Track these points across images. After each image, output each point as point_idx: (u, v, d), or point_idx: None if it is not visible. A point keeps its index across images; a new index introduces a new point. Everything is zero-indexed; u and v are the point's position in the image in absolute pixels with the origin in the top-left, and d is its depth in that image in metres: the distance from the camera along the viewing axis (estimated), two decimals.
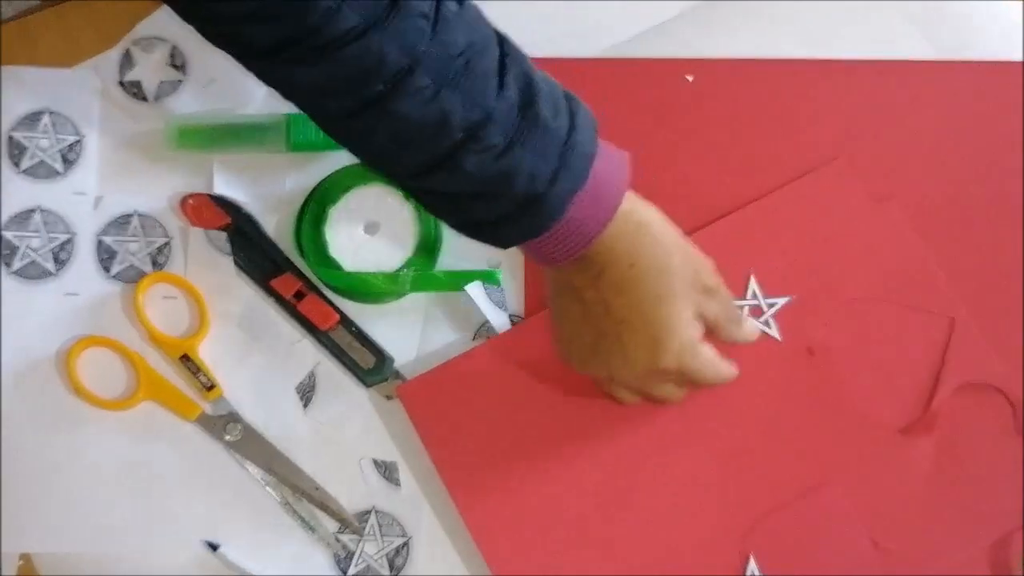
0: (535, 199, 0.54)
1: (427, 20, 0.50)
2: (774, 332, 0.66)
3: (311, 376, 0.67)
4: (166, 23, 0.72)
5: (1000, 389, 0.65)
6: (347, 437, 0.66)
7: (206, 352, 0.67)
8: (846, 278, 0.67)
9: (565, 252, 0.57)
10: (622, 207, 0.56)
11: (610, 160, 0.56)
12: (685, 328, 0.58)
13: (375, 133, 0.53)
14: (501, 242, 0.57)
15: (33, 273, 0.68)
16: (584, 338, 0.61)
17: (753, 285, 0.67)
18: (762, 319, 0.67)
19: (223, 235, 0.68)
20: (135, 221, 0.69)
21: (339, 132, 0.55)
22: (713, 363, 0.61)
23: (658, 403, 0.63)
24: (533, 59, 0.71)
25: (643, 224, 0.58)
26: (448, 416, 0.64)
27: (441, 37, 0.51)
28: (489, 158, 0.52)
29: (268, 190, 0.70)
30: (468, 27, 0.52)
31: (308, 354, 0.68)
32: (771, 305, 0.67)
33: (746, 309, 0.67)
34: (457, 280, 0.67)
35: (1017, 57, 0.72)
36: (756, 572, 0.62)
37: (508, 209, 0.54)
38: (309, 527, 0.65)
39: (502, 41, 0.54)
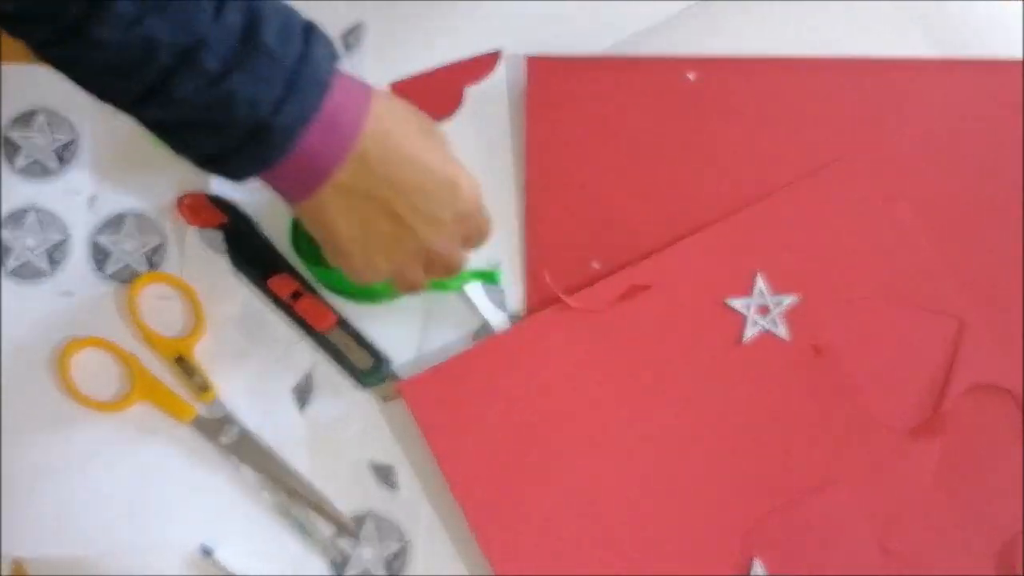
0: (260, 128, 0.52)
1: None
2: (781, 331, 0.66)
3: (308, 378, 0.67)
4: None
5: (1009, 391, 0.65)
6: (344, 439, 0.66)
7: (201, 353, 0.66)
8: (853, 278, 0.67)
9: (301, 187, 0.56)
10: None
11: (349, 90, 0.55)
12: (460, 165, 0.58)
13: (80, 61, 0.52)
14: (234, 175, 0.56)
15: (27, 273, 0.68)
16: (379, 233, 0.58)
17: (760, 284, 0.67)
18: (768, 318, 0.66)
19: (219, 235, 0.68)
20: (130, 220, 0.69)
21: (50, 62, 0.54)
22: (488, 216, 0.61)
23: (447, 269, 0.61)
24: (533, 57, 0.71)
25: (378, 97, 0.57)
26: (450, 413, 0.64)
27: None
28: (203, 84, 0.51)
29: (265, 189, 0.69)
30: None
31: (305, 355, 0.67)
32: (778, 304, 0.66)
33: (752, 308, 0.66)
34: (456, 280, 0.67)
35: (1017, 57, 0.72)
36: (761, 572, 0.62)
37: (233, 140, 0.53)
38: (305, 531, 0.64)
39: None
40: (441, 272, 0.61)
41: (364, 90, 0.56)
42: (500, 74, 0.72)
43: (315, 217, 0.58)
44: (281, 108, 0.52)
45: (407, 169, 0.56)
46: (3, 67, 0.71)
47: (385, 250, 0.58)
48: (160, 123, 0.54)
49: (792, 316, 0.66)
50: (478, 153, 0.70)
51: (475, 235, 0.61)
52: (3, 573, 0.63)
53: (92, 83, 0.54)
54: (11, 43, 0.72)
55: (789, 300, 0.66)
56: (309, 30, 0.54)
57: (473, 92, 0.72)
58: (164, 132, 0.55)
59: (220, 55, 0.51)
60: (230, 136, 0.53)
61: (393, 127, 0.56)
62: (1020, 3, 0.74)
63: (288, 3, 0.54)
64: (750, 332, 0.66)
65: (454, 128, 0.70)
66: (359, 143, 0.55)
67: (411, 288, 0.62)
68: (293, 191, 0.56)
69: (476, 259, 0.68)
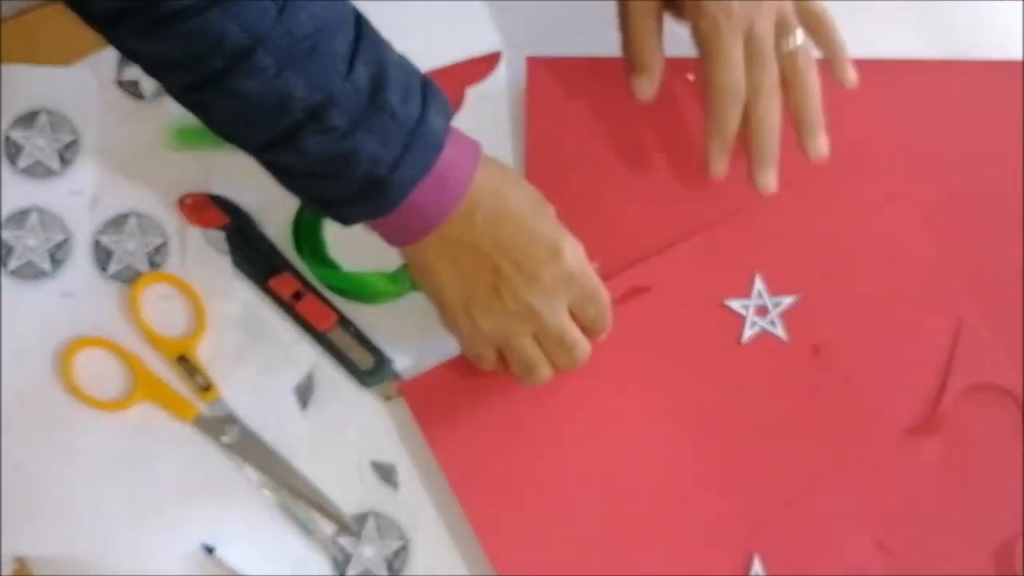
0: (376, 183, 0.55)
1: (272, 1, 0.51)
2: (780, 331, 0.66)
3: (309, 377, 0.67)
4: None
5: (1008, 391, 0.65)
6: (345, 439, 0.66)
7: (203, 353, 0.67)
8: (852, 277, 0.67)
9: (407, 235, 0.59)
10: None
11: (460, 148, 0.58)
12: (569, 234, 0.60)
13: (215, 108, 0.55)
14: (344, 220, 0.59)
15: (29, 273, 0.68)
16: (480, 286, 0.59)
17: (759, 284, 0.67)
18: (767, 319, 0.66)
19: (221, 235, 0.68)
20: (132, 221, 0.69)
21: (182, 103, 0.56)
22: (597, 281, 0.61)
23: (558, 357, 0.61)
24: (533, 57, 0.72)
25: (486, 158, 0.59)
26: (451, 413, 0.64)
27: (287, 17, 0.51)
28: (331, 140, 0.53)
29: (267, 190, 0.68)
30: (320, 8, 0.52)
31: (306, 355, 0.67)
32: (777, 304, 0.66)
33: (751, 308, 0.66)
34: None
35: (1017, 57, 0.72)
36: (760, 572, 0.62)
37: (350, 190, 0.56)
38: (306, 529, 0.64)
39: (359, 24, 0.55)
40: (555, 348, 0.61)
41: (474, 147, 0.59)
42: (501, 74, 0.72)
43: (419, 262, 0.60)
44: (398, 166, 0.55)
45: (510, 226, 0.58)
46: (6, 68, 0.71)
47: (486, 306, 0.59)
48: (283, 168, 0.57)
49: (791, 317, 0.66)
50: None
51: (584, 302, 0.60)
52: (5, 571, 0.64)
53: (223, 127, 0.56)
54: (13, 43, 0.72)
55: (788, 301, 0.66)
56: (427, 88, 0.56)
57: (474, 92, 0.72)
58: (285, 176, 0.58)
59: (348, 113, 0.53)
60: (347, 187, 0.55)
61: (501, 186, 0.59)
62: (1020, 3, 0.74)
63: (404, 58, 0.57)
64: (749, 333, 0.66)
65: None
66: (467, 198, 0.57)
67: (527, 368, 0.61)
68: (398, 237, 0.59)
69: None
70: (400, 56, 0.56)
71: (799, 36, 0.63)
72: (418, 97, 0.55)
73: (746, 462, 0.64)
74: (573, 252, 0.59)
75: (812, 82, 0.64)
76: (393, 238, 0.60)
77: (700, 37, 0.63)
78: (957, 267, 0.67)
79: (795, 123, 0.64)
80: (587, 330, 0.61)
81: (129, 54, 0.56)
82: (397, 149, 0.54)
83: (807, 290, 0.67)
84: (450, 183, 0.57)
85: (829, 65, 0.66)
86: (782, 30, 0.63)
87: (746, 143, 0.64)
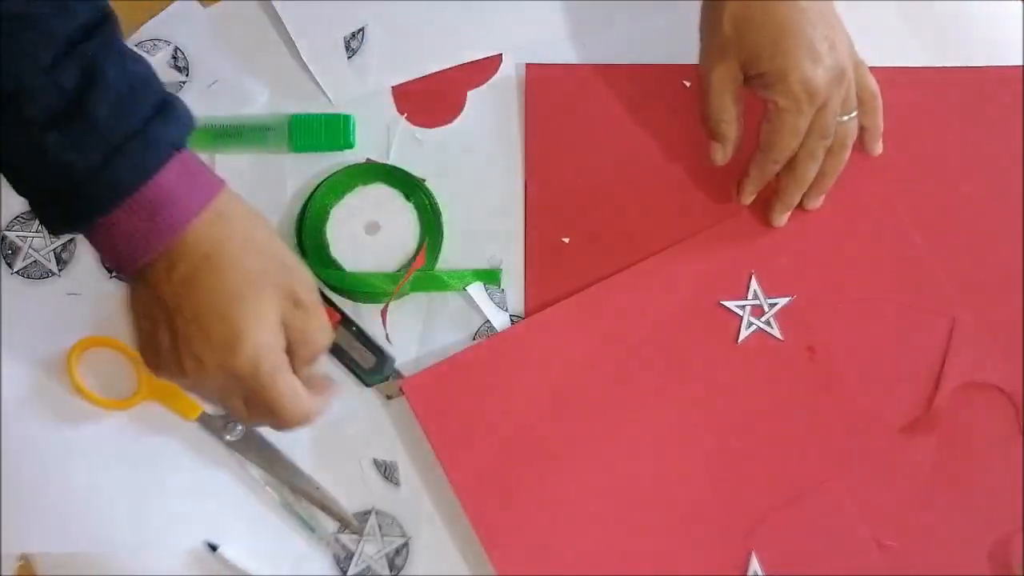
0: (70, 191, 0.51)
1: None
2: (775, 331, 0.66)
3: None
4: (169, 25, 0.72)
5: (1001, 388, 0.65)
6: (347, 437, 0.66)
7: None
8: (847, 278, 0.67)
9: (116, 261, 0.53)
10: (207, 209, 0.52)
11: (191, 180, 0.52)
12: (265, 331, 0.52)
13: None
14: (46, 224, 0.53)
15: (35, 273, 0.68)
16: (162, 341, 0.53)
17: (754, 285, 0.67)
18: (763, 319, 0.67)
19: None
20: None
21: None
22: (293, 389, 0.54)
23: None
24: (533, 64, 0.72)
25: (225, 218, 0.53)
26: (452, 411, 0.64)
27: None
28: (20, 133, 0.50)
29: (269, 190, 0.70)
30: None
31: None
32: (772, 305, 0.67)
33: (748, 308, 0.67)
34: (457, 280, 0.68)
35: (1017, 61, 0.72)
36: (758, 570, 0.62)
37: (42, 194, 0.52)
38: (309, 527, 0.65)
39: (95, 21, 0.51)
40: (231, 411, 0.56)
41: (210, 188, 0.53)
42: (501, 77, 0.72)
43: (137, 282, 0.54)
44: (94, 179, 0.50)
45: (199, 293, 0.52)
46: None
47: (162, 363, 0.54)
48: None
49: (786, 317, 0.67)
50: (479, 155, 0.71)
51: (258, 403, 0.54)
52: (10, 569, 0.64)
53: None
54: None
55: (783, 301, 0.67)
56: (164, 111, 0.52)
57: (474, 96, 0.72)
58: None
59: (42, 109, 0.49)
60: (39, 188, 0.52)
61: (220, 251, 0.52)
62: (1021, 5, 0.74)
63: (152, 77, 0.53)
64: (745, 332, 0.66)
65: (455, 131, 0.71)
66: (175, 247, 0.52)
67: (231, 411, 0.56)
68: (109, 261, 0.54)
69: (477, 259, 0.69)
70: (146, 75, 0.52)
71: (852, 114, 0.65)
72: (138, 116, 0.51)
73: (743, 461, 0.64)
74: (252, 357, 0.52)
75: (847, 154, 0.66)
76: (105, 261, 0.55)
77: (778, 111, 0.63)
78: (952, 267, 0.67)
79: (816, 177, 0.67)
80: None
81: None
82: (95, 160, 0.50)
83: (802, 290, 0.67)
84: (161, 218, 0.51)
85: (863, 134, 0.68)
86: (845, 107, 0.65)
87: (777, 183, 0.67)
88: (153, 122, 0.51)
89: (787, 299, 0.67)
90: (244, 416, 0.55)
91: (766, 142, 0.65)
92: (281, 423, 0.54)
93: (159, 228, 0.51)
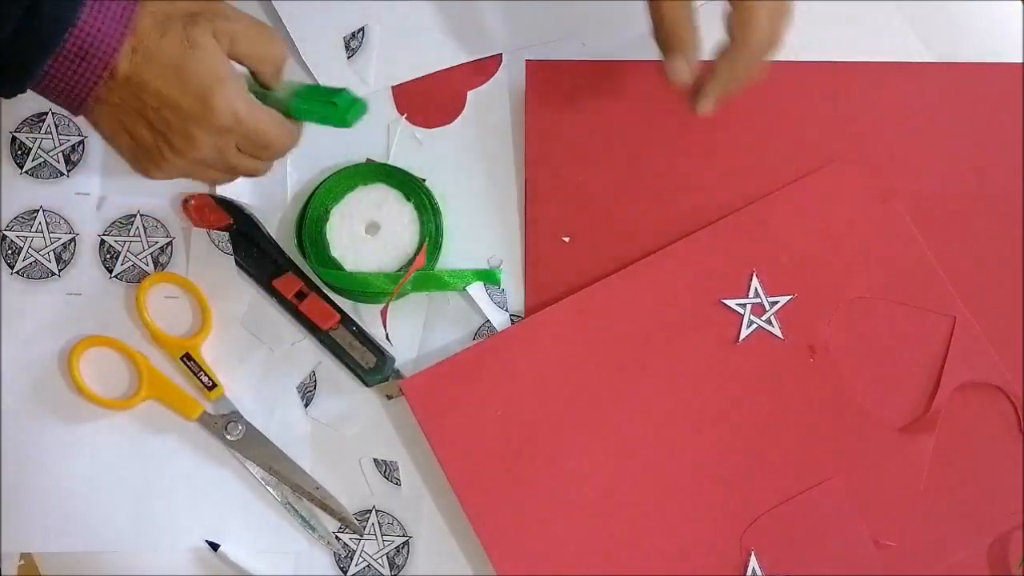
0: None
1: None
2: (776, 330, 0.66)
3: (312, 376, 0.67)
4: None
5: (1001, 388, 0.65)
6: (348, 436, 0.66)
7: (208, 352, 0.67)
8: (848, 277, 0.67)
9: (68, 103, 0.56)
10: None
11: (104, 17, 0.54)
12: (224, 81, 0.56)
13: None
14: None
15: (36, 273, 0.69)
16: (144, 141, 0.57)
17: (755, 283, 0.67)
18: (764, 317, 0.67)
19: (225, 235, 0.68)
20: (137, 221, 0.70)
21: None
22: (272, 116, 0.58)
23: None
24: (533, 60, 0.72)
25: (152, 6, 0.56)
26: (451, 411, 0.64)
27: None
28: None
29: (269, 190, 0.70)
30: None
31: (309, 354, 0.68)
32: (773, 304, 0.67)
33: (748, 307, 0.67)
34: (458, 280, 0.68)
35: (1017, 59, 0.72)
36: (757, 570, 0.62)
37: None
38: (310, 526, 0.65)
39: None
40: (234, 170, 0.60)
41: (125, 11, 0.54)
42: (501, 77, 0.73)
43: (93, 124, 0.58)
44: (17, 40, 0.52)
45: (154, 84, 0.55)
46: None
47: (154, 161, 0.58)
48: None
49: (787, 315, 0.67)
50: (479, 155, 0.71)
51: (254, 151, 0.59)
52: (12, 569, 0.64)
53: None
54: None
55: (784, 300, 0.67)
56: None
57: (475, 95, 0.72)
58: None
59: None
60: None
61: (142, 39, 0.54)
62: (1020, 4, 0.74)
63: None
64: (746, 331, 0.66)
65: (456, 131, 0.71)
66: (115, 64, 0.54)
67: (222, 175, 0.61)
68: (64, 106, 0.56)
69: (477, 259, 0.69)
70: None
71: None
72: None
73: (742, 460, 0.64)
74: (227, 101, 0.56)
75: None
76: (63, 107, 0.57)
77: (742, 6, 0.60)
78: (952, 266, 0.67)
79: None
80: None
81: None
82: (13, 22, 0.51)
83: (803, 289, 0.67)
84: (91, 58, 0.54)
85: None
86: None
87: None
88: None
89: (788, 298, 0.67)
90: (250, 166, 0.60)
91: (735, 33, 0.61)
92: (276, 149, 0.59)
93: (92, 68, 0.54)
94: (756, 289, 0.67)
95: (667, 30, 0.62)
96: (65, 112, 0.59)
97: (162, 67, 0.55)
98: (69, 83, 0.54)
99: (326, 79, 0.72)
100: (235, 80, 0.57)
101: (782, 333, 0.66)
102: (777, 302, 0.67)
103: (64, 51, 0.53)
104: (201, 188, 0.70)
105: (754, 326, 0.67)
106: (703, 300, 0.67)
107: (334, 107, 0.60)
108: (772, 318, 0.67)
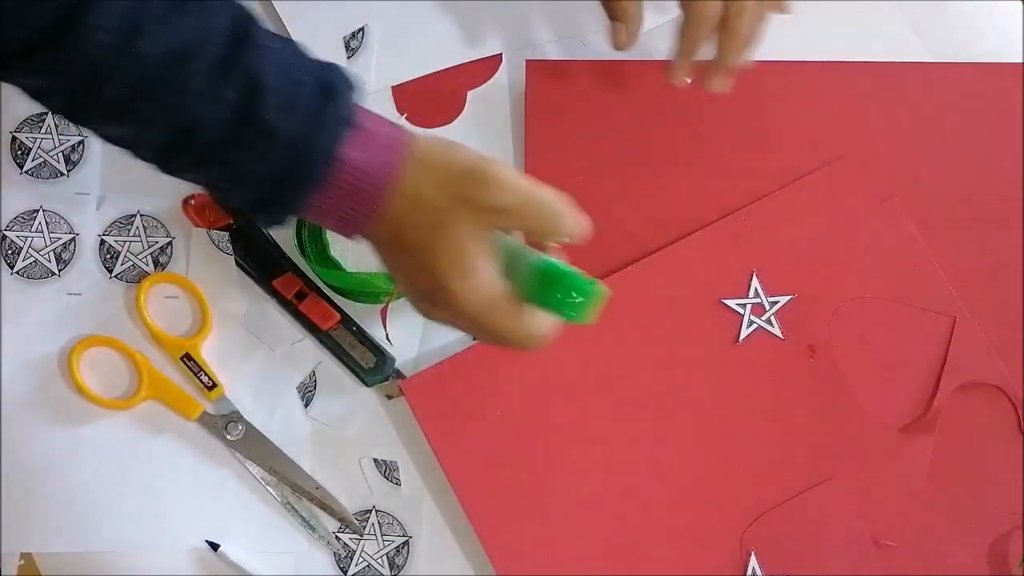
0: (270, 198, 0.53)
1: (112, 32, 0.49)
2: (776, 330, 0.66)
3: (312, 376, 0.67)
4: None
5: (1001, 388, 0.65)
6: (348, 436, 0.66)
7: (208, 352, 0.67)
8: (848, 277, 0.67)
9: (339, 230, 0.55)
10: (404, 165, 0.53)
11: (372, 148, 0.52)
12: (463, 270, 0.53)
13: (95, 128, 0.54)
14: (262, 226, 0.58)
15: (36, 273, 0.69)
16: (420, 286, 0.55)
17: (755, 283, 0.67)
18: (764, 317, 0.67)
19: (225, 235, 0.68)
20: (138, 221, 0.70)
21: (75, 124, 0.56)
22: (507, 313, 0.53)
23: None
24: (532, 60, 0.72)
25: (417, 161, 0.53)
26: (451, 411, 0.65)
27: (134, 48, 0.49)
28: (206, 158, 0.52)
29: None
30: (175, 31, 0.50)
31: (309, 354, 0.68)
32: (773, 303, 0.67)
33: (748, 307, 0.67)
34: None
35: (1017, 59, 0.72)
36: (757, 569, 0.62)
37: (247, 202, 0.54)
38: (310, 526, 0.65)
39: (237, 32, 0.51)
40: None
41: (390, 146, 0.53)
42: (501, 77, 0.73)
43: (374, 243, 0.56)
44: (285, 182, 0.52)
45: (408, 260, 0.54)
46: None
47: (432, 304, 0.56)
48: (186, 178, 0.56)
49: (787, 315, 0.67)
50: None
51: (495, 340, 0.55)
52: (12, 569, 0.64)
53: (112, 141, 0.55)
54: None
55: (784, 300, 0.67)
56: (324, 89, 0.52)
57: (475, 95, 0.72)
58: (191, 181, 0.56)
59: (217, 132, 0.51)
60: (243, 200, 0.54)
61: (404, 215, 0.53)
62: (1020, 4, 0.74)
63: (301, 57, 0.53)
64: (746, 331, 0.67)
65: (456, 131, 0.71)
66: (385, 204, 0.53)
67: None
68: (340, 231, 0.56)
69: None
70: (296, 60, 0.53)
71: None
72: (304, 105, 0.51)
73: (742, 460, 0.64)
74: (464, 294, 0.52)
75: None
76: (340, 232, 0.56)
77: None
78: (951, 266, 0.67)
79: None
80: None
81: (15, 83, 0.54)
82: (278, 164, 0.51)
83: (803, 289, 0.67)
84: (360, 193, 0.52)
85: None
86: None
87: (717, 49, 0.64)
88: (322, 109, 0.52)
89: (788, 298, 0.67)
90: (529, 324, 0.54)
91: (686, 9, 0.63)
92: (508, 344, 0.54)
93: (361, 203, 0.53)
94: (756, 289, 0.67)
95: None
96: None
97: (418, 233, 0.53)
98: (340, 216, 0.53)
99: None
100: (480, 270, 0.53)
101: (782, 333, 0.66)
102: (777, 302, 0.67)
103: (331, 187, 0.52)
104: (200, 188, 0.69)
105: (754, 326, 0.67)
106: (703, 300, 0.67)
107: (569, 301, 0.53)
108: (772, 318, 0.67)
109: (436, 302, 0.54)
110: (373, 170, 0.52)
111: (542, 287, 0.53)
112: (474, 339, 0.66)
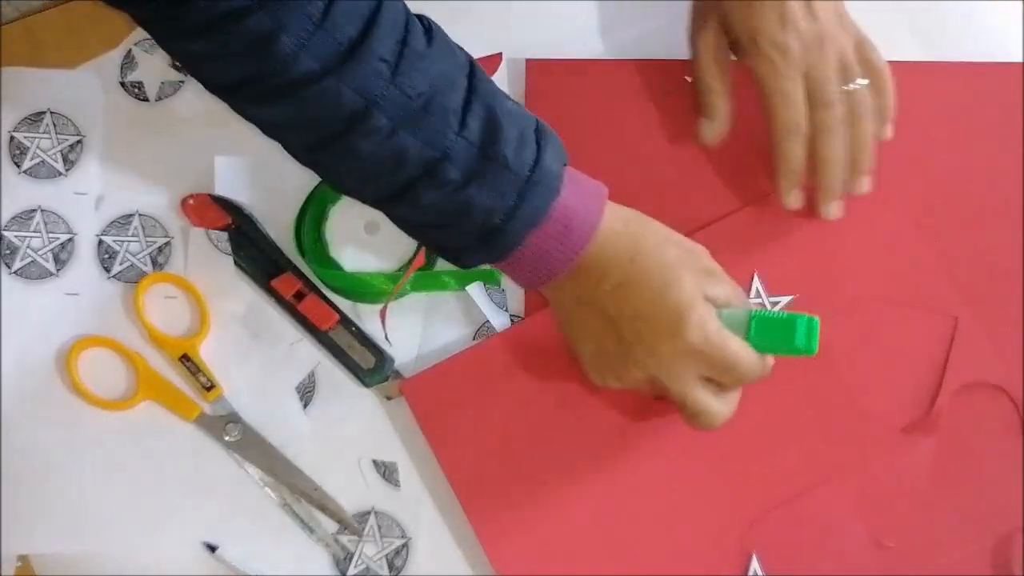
0: (492, 232, 0.56)
1: (387, 64, 0.52)
2: None
3: (311, 376, 0.67)
4: None
5: (1002, 388, 0.65)
6: (347, 437, 0.66)
7: (206, 352, 0.67)
8: (848, 278, 0.67)
9: (535, 279, 0.59)
10: (605, 216, 0.58)
11: (581, 191, 0.58)
12: (699, 304, 0.58)
13: (334, 167, 0.57)
14: (463, 265, 0.60)
15: (34, 273, 0.68)
16: (608, 348, 0.60)
17: (757, 284, 0.67)
18: None
19: (224, 235, 0.68)
20: (136, 221, 0.69)
21: (301, 162, 0.58)
22: (741, 343, 0.58)
23: (705, 420, 0.60)
24: (534, 60, 0.72)
25: (631, 222, 0.59)
26: (451, 412, 0.64)
27: (401, 79, 0.53)
28: (446, 193, 0.55)
29: (269, 190, 0.70)
30: (432, 67, 0.54)
31: (308, 354, 0.68)
32: (773, 304, 0.67)
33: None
34: (457, 280, 0.67)
35: (1017, 59, 0.72)
36: (758, 570, 0.62)
37: (468, 239, 0.57)
38: (308, 528, 0.65)
39: (472, 75, 0.56)
40: (681, 411, 0.60)
41: (597, 192, 0.59)
42: (501, 76, 0.72)
43: (557, 310, 0.62)
44: (514, 215, 0.55)
45: (635, 296, 0.57)
46: (11, 70, 0.71)
47: (612, 371, 0.60)
48: (401, 218, 0.59)
49: None
50: None
51: (717, 373, 0.58)
52: (9, 570, 0.64)
53: (341, 184, 0.59)
54: (18, 46, 0.73)
55: (785, 300, 0.67)
56: (541, 135, 0.57)
57: None
58: (403, 224, 0.59)
59: (461, 167, 0.54)
60: (464, 236, 0.57)
61: (636, 253, 0.58)
62: (1020, 3, 0.74)
63: (519, 106, 0.58)
64: None
65: None
66: (593, 250, 0.57)
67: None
68: (525, 280, 0.60)
69: None
70: (513, 103, 0.57)
71: (860, 81, 0.64)
72: (532, 144, 0.56)
73: (744, 461, 0.64)
74: (699, 325, 0.57)
75: (867, 125, 0.65)
76: (521, 281, 0.61)
77: (759, 78, 0.64)
78: (952, 266, 0.67)
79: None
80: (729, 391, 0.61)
81: (247, 117, 0.57)
82: (511, 199, 0.55)
83: (804, 289, 0.67)
84: (573, 230, 0.57)
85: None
86: (845, 75, 0.64)
87: (813, 176, 0.66)
88: (543, 148, 0.56)
89: (788, 298, 0.67)
90: (708, 401, 0.59)
91: (767, 119, 0.65)
92: (741, 373, 0.58)
93: (571, 242, 0.57)
94: (757, 289, 0.67)
95: (700, 92, 0.67)
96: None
97: (644, 279, 0.57)
98: (544, 257, 0.57)
99: None
100: (708, 306, 0.58)
101: None
102: (778, 302, 0.67)
103: (548, 223, 0.56)
104: (200, 188, 0.69)
105: None
106: None
107: (792, 339, 0.59)
108: None
109: (653, 348, 0.57)
110: (586, 211, 0.57)
111: (760, 338, 0.59)
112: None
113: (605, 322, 0.59)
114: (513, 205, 0.55)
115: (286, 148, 0.58)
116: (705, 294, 0.59)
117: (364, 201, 0.59)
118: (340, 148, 0.54)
